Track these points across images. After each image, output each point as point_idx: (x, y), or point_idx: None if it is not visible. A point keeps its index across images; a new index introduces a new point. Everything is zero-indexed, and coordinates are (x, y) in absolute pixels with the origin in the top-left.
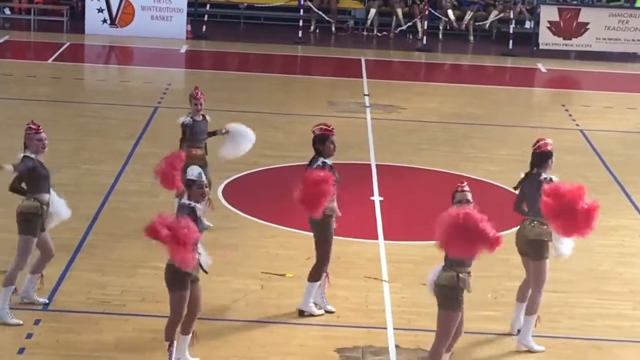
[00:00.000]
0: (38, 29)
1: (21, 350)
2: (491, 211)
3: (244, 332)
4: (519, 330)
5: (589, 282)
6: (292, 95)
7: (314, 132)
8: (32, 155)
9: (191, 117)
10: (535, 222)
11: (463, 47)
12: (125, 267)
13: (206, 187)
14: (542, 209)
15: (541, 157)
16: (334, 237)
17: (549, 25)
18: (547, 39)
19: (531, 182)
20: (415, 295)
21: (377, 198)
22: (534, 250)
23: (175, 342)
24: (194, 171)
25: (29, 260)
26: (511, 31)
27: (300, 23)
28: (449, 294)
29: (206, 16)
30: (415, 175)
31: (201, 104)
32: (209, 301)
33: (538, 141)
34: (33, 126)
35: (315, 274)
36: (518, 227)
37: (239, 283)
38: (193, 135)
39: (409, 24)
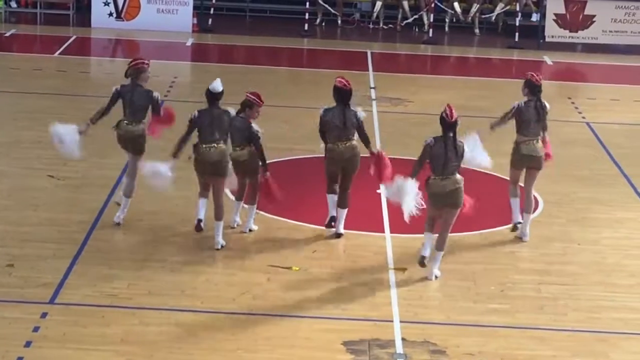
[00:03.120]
0: (44, 23)
1: (28, 344)
2: (499, 203)
3: (250, 325)
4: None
5: (595, 275)
6: (299, 88)
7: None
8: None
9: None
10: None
11: (469, 39)
12: (132, 260)
13: None
14: None
15: None
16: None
17: (555, 17)
18: (553, 32)
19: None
20: (422, 288)
21: (383, 191)
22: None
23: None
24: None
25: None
26: (517, 24)
27: (306, 16)
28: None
29: (212, 9)
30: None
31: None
32: (215, 294)
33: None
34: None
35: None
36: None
37: (245, 276)
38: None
39: (415, 16)
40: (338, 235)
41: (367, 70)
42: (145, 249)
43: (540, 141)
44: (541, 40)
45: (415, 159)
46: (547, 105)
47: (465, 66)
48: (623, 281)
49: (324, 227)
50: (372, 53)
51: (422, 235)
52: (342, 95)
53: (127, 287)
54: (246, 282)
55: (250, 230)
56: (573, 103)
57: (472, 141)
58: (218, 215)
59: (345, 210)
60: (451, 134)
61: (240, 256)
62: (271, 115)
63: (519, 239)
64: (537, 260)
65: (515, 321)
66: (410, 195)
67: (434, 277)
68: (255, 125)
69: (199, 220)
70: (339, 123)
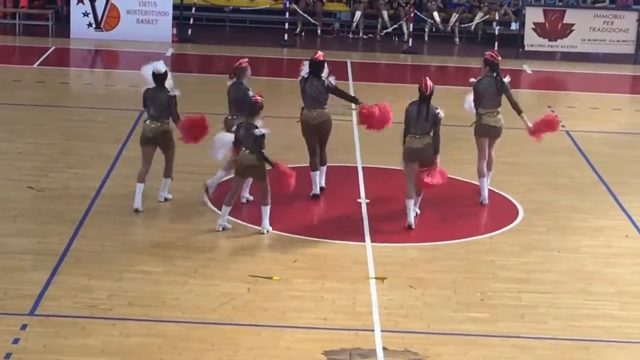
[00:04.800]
0: (23, 33)
1: (8, 355)
2: (477, 212)
3: (231, 335)
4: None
5: (576, 283)
6: (279, 98)
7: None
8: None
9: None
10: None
11: (449, 48)
12: (112, 271)
13: None
14: None
15: None
16: (320, 239)
17: (534, 26)
18: (532, 41)
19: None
20: (403, 297)
21: (363, 200)
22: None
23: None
24: None
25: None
26: (496, 33)
27: (286, 26)
28: None
29: (192, 19)
30: (401, 177)
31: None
32: (196, 304)
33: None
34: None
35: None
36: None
37: (226, 286)
38: None
39: (395, 26)
40: (322, 189)
41: (347, 79)
42: (125, 259)
43: (500, 113)
44: (520, 49)
45: (397, 168)
46: (506, 80)
47: (445, 75)
48: (603, 289)
49: (304, 237)
50: (351, 62)
51: (402, 244)
52: (315, 67)
53: (108, 297)
54: (227, 292)
55: (267, 232)
56: (553, 111)
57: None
58: (166, 173)
59: (325, 167)
60: (426, 103)
61: (221, 266)
62: None
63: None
64: (517, 269)
65: (495, 330)
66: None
67: (417, 213)
68: (258, 130)
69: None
70: (312, 92)
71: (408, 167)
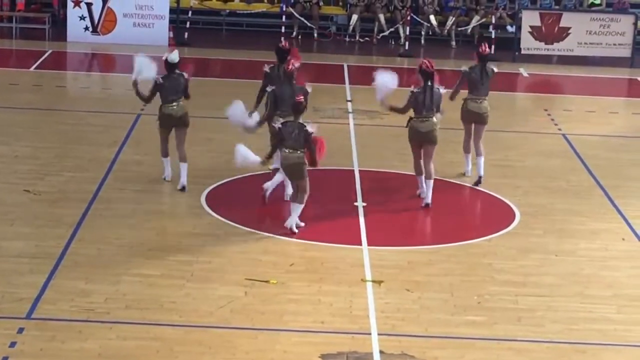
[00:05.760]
0: (20, 37)
1: (5, 359)
2: (473, 216)
3: (228, 338)
4: None
5: (573, 286)
6: None
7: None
8: None
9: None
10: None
11: (445, 52)
12: (109, 274)
13: None
14: None
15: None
16: (317, 243)
17: (530, 30)
18: (529, 44)
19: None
20: (399, 300)
21: (360, 203)
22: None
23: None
24: None
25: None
26: (493, 36)
27: (283, 29)
28: None
29: (188, 23)
30: (398, 180)
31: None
32: (193, 308)
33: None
34: None
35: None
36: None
37: (223, 290)
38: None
39: (391, 29)
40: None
41: (344, 83)
42: (122, 263)
43: (486, 101)
44: (517, 53)
45: (393, 171)
46: (495, 69)
47: (442, 78)
48: (600, 292)
49: (301, 240)
50: (348, 66)
51: (398, 247)
52: (279, 54)
53: (105, 301)
54: (224, 295)
55: (290, 229)
56: (549, 115)
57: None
58: (181, 158)
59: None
60: (429, 83)
61: (218, 270)
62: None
63: (476, 183)
64: (514, 272)
65: (493, 333)
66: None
67: (430, 200)
68: (309, 128)
69: None
70: (277, 78)
71: (415, 154)
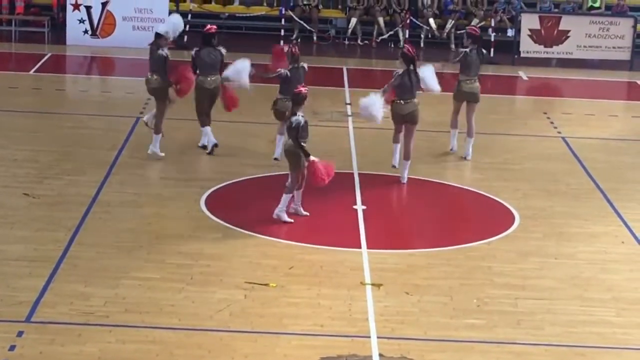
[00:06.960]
0: (19, 40)
1: None
2: (474, 219)
3: (228, 342)
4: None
5: (572, 289)
6: None
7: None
8: None
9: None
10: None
11: (445, 55)
12: (108, 277)
13: None
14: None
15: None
16: (317, 246)
17: (530, 33)
18: (528, 47)
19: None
20: (399, 303)
21: (359, 207)
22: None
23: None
24: None
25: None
26: (492, 39)
27: (282, 33)
28: None
29: (188, 26)
30: (397, 183)
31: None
32: (193, 311)
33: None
34: None
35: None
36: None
37: (222, 293)
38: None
39: (391, 32)
40: (215, 145)
41: (343, 86)
42: (121, 266)
43: (478, 80)
44: (516, 56)
45: (393, 175)
46: (485, 52)
47: (441, 82)
48: (600, 295)
49: (300, 244)
50: (347, 69)
51: (398, 250)
52: (205, 38)
53: (104, 304)
54: (224, 299)
55: (276, 217)
56: (549, 118)
57: (427, 69)
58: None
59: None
60: (412, 67)
61: (218, 273)
62: (250, 132)
63: (464, 158)
64: (513, 275)
65: (492, 336)
66: (377, 106)
67: (405, 180)
68: (295, 118)
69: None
70: (209, 60)
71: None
